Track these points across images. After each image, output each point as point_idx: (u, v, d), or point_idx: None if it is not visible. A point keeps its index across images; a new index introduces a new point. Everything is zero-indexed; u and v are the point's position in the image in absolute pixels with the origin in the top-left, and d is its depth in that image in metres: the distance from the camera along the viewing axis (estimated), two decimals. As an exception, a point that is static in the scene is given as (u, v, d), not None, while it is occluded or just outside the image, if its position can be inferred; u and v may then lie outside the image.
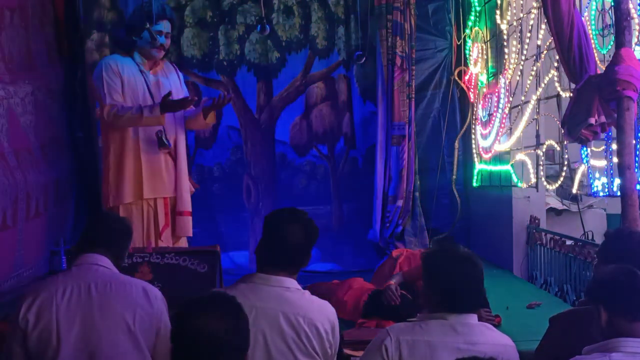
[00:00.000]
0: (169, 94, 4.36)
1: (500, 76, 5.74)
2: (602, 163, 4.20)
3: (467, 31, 6.49)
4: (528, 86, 5.27)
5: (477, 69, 6.30)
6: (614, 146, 3.80)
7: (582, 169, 4.55)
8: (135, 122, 4.46)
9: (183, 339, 1.90)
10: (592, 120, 3.69)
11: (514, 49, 5.53)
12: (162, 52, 4.68)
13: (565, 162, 4.91)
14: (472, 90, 6.44)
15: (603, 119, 3.69)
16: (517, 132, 5.40)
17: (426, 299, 2.56)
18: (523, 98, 5.39)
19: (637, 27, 3.93)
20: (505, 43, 5.70)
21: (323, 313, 2.61)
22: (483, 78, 6.24)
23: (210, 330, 1.88)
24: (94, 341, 2.59)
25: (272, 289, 2.58)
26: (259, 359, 2.49)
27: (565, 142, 4.81)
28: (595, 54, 4.04)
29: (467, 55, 6.50)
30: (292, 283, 2.62)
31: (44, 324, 2.59)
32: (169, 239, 4.64)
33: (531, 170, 5.30)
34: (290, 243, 2.60)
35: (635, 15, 3.82)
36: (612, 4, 3.82)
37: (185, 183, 4.72)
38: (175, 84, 4.75)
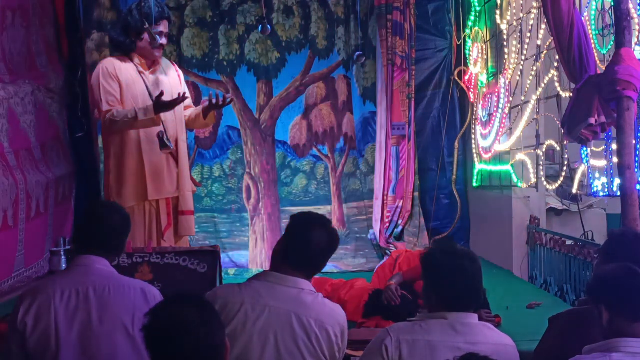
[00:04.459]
0: (162, 93, 4.33)
1: (500, 76, 5.74)
2: (602, 163, 4.19)
3: (467, 31, 6.49)
4: (528, 86, 5.27)
5: (477, 69, 6.29)
6: (614, 146, 3.79)
7: (582, 169, 4.54)
8: (131, 125, 4.44)
9: (157, 336, 1.98)
10: (592, 120, 3.68)
11: (514, 49, 5.53)
12: (162, 51, 4.69)
13: (565, 162, 4.91)
14: (472, 90, 6.44)
15: (603, 119, 3.69)
16: (517, 132, 5.40)
17: (426, 298, 2.56)
18: (523, 98, 5.39)
19: (637, 27, 3.92)
20: (505, 43, 5.70)
21: (334, 317, 2.61)
22: (483, 78, 6.24)
23: (183, 326, 1.92)
24: (93, 346, 2.57)
25: (288, 290, 2.58)
26: (268, 357, 2.50)
27: (565, 142, 4.80)
28: (595, 54, 4.04)
29: (467, 55, 6.49)
30: (307, 285, 2.63)
31: (42, 328, 2.57)
32: (172, 238, 4.62)
33: (531, 170, 5.29)
34: (313, 246, 2.62)
35: (635, 15, 3.82)
36: (612, 4, 3.82)
37: (187, 182, 4.71)
38: (174, 81, 4.74)
